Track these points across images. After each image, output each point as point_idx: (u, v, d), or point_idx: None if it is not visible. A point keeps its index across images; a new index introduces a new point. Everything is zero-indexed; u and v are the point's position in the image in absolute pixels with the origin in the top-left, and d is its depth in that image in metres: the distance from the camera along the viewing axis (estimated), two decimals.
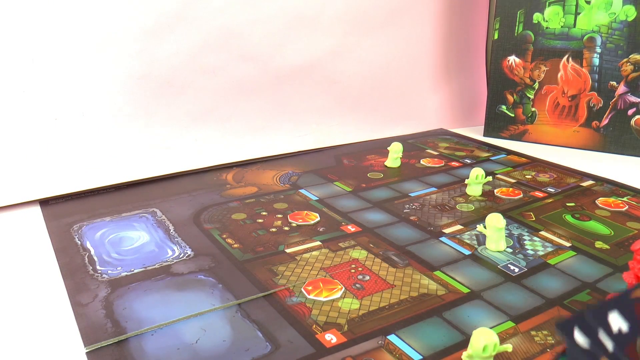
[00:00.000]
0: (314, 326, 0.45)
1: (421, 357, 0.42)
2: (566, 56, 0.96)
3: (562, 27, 0.95)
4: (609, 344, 0.26)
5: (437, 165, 0.86)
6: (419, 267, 0.55)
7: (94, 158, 0.77)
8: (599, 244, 0.60)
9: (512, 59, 0.99)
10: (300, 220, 0.65)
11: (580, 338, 0.27)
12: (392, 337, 0.44)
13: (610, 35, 0.92)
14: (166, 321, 0.45)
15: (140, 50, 0.81)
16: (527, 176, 0.81)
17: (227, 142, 0.89)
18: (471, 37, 1.14)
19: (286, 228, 0.63)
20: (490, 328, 0.42)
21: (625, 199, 0.73)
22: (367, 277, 0.53)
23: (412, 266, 0.55)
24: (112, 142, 0.80)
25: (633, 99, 0.92)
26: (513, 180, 0.79)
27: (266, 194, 0.73)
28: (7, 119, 0.72)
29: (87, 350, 0.42)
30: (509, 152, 0.93)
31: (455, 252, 0.58)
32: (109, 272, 0.53)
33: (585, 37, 0.94)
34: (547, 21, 0.96)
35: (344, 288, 0.51)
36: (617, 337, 0.27)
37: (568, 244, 0.60)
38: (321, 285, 0.51)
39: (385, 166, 0.85)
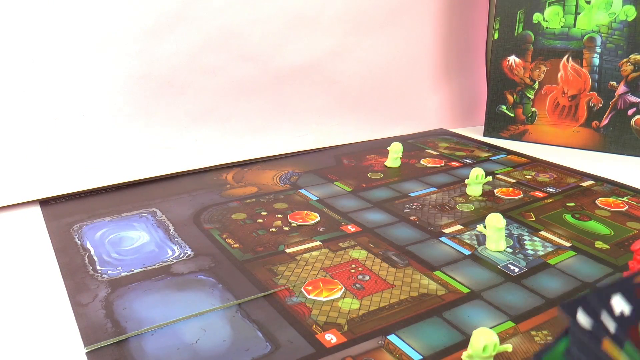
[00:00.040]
0: (314, 326, 0.45)
1: (421, 357, 0.42)
2: (566, 56, 0.96)
3: (562, 27, 0.95)
4: (611, 326, 0.27)
5: (437, 165, 0.86)
6: (419, 267, 0.55)
7: (94, 158, 0.77)
8: (599, 244, 0.60)
9: (512, 59, 0.99)
10: (300, 220, 0.65)
11: (583, 319, 0.27)
12: (392, 337, 0.44)
13: (610, 35, 0.92)
14: (166, 321, 0.45)
15: (140, 50, 0.81)
16: (527, 176, 0.81)
17: (227, 142, 0.89)
18: (471, 37, 1.14)
19: (286, 228, 0.63)
20: (490, 328, 0.42)
21: (625, 199, 0.73)
22: (367, 277, 0.53)
23: (412, 266, 0.55)
24: (112, 142, 0.80)
25: (633, 99, 0.92)
26: (513, 180, 0.79)
27: (266, 194, 0.73)
28: (7, 119, 0.72)
29: (87, 350, 0.42)
30: (509, 152, 0.93)
31: (455, 252, 0.58)
32: (109, 272, 0.53)
33: (585, 37, 0.94)
34: (547, 21, 0.96)
35: (344, 288, 0.51)
36: (619, 319, 0.27)
37: (568, 244, 0.60)
38: (321, 285, 0.51)
39: (385, 166, 0.85)
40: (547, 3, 0.96)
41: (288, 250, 0.58)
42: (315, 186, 0.76)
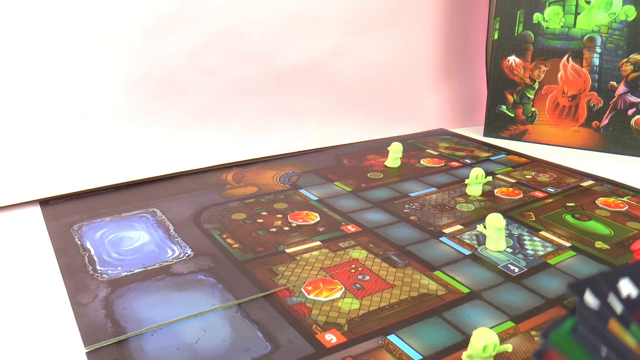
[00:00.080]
0: (314, 326, 0.45)
1: (421, 357, 0.42)
2: (566, 56, 0.96)
3: (562, 27, 0.95)
4: (618, 307, 0.27)
5: (437, 165, 0.86)
6: (419, 267, 0.55)
7: (94, 158, 0.77)
8: (599, 244, 0.60)
9: (512, 59, 0.99)
10: (300, 220, 0.65)
11: (590, 300, 0.28)
12: (392, 337, 0.44)
13: (610, 35, 0.92)
14: (166, 321, 0.45)
15: (140, 50, 0.81)
16: (527, 176, 0.81)
17: (227, 142, 0.89)
18: (471, 37, 1.14)
19: (286, 228, 0.63)
20: (490, 328, 0.42)
21: (625, 199, 0.73)
22: (367, 277, 0.53)
23: (412, 266, 0.55)
24: (112, 142, 0.80)
25: (633, 99, 0.92)
26: (513, 180, 0.79)
27: (266, 194, 0.73)
28: (7, 119, 0.72)
29: (87, 350, 0.42)
30: (509, 152, 0.93)
31: (455, 252, 0.58)
32: (109, 272, 0.53)
33: (585, 37, 0.94)
34: (547, 21, 0.96)
35: (344, 288, 0.51)
36: (626, 302, 0.28)
37: (568, 244, 0.60)
38: (321, 285, 0.51)
39: (385, 166, 0.85)
40: (547, 3, 0.96)
41: (288, 250, 0.58)
42: (315, 186, 0.76)
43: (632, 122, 0.93)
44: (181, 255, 0.57)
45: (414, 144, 0.97)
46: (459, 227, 0.64)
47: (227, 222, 0.65)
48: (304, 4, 0.93)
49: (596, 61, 0.94)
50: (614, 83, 0.93)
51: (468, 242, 0.60)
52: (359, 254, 0.57)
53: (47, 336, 0.44)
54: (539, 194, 0.74)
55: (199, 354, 0.42)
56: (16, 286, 0.52)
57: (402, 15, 1.03)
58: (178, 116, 0.86)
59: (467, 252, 0.58)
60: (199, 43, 0.85)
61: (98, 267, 0.54)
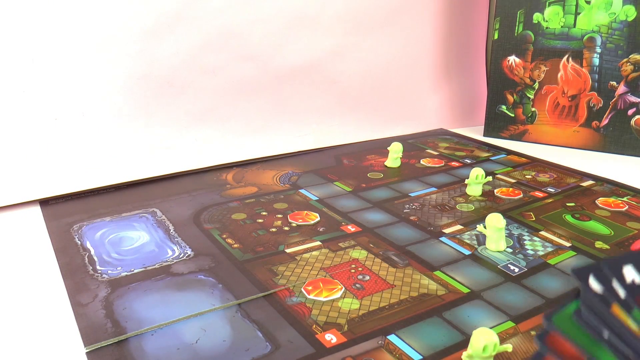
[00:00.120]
0: (314, 326, 0.45)
1: (421, 357, 0.42)
2: (566, 56, 0.96)
3: (562, 27, 0.95)
4: (621, 292, 0.28)
5: (437, 165, 0.86)
6: (419, 267, 0.55)
7: (94, 158, 0.77)
8: (599, 244, 0.60)
9: (512, 59, 0.99)
10: (300, 220, 0.65)
11: (594, 284, 0.28)
12: (392, 337, 0.44)
13: (610, 35, 0.92)
14: (166, 321, 0.45)
15: (140, 50, 0.81)
16: (527, 176, 0.81)
17: (227, 142, 0.89)
18: (471, 37, 1.14)
19: (286, 228, 0.63)
20: (490, 328, 0.42)
21: (625, 199, 0.73)
22: (367, 277, 0.53)
23: (412, 266, 0.55)
24: (112, 142, 0.80)
25: (633, 99, 0.92)
26: (513, 180, 0.79)
27: (266, 194, 0.73)
28: (7, 119, 0.72)
29: (87, 350, 0.42)
30: (509, 152, 0.93)
31: (455, 252, 0.58)
32: (109, 272, 0.53)
33: (585, 37, 0.94)
34: (547, 21, 0.96)
35: (344, 288, 0.51)
36: (629, 287, 0.28)
37: (568, 244, 0.60)
38: (321, 285, 0.51)
39: (385, 166, 0.85)
40: (547, 3, 0.96)
41: (288, 250, 0.58)
42: (315, 186, 0.76)
43: (632, 122, 0.93)
44: (181, 255, 0.57)
45: (414, 144, 0.97)
46: (459, 227, 0.64)
47: (227, 222, 0.65)
48: (304, 4, 0.93)
49: (596, 61, 0.94)
50: (614, 83, 0.93)
51: (468, 242, 0.60)
52: (359, 254, 0.57)
53: (47, 336, 0.44)
54: (539, 194, 0.74)
55: (199, 354, 0.42)
56: (16, 286, 0.52)
57: (402, 15, 1.03)
58: (178, 116, 0.86)
59: (467, 252, 0.58)
60: (199, 43, 0.85)
61: (98, 267, 0.54)
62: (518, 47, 0.99)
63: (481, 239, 0.60)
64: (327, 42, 0.97)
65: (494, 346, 0.39)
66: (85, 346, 0.42)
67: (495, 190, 0.75)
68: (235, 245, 0.59)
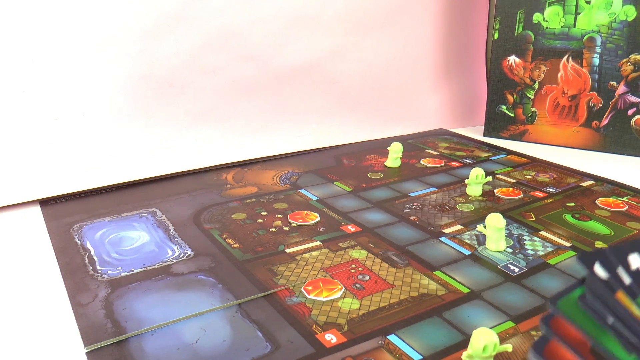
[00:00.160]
0: (314, 326, 0.45)
1: (421, 357, 0.42)
2: (566, 56, 0.96)
3: (562, 27, 0.95)
4: (626, 279, 0.28)
5: (437, 165, 0.86)
6: (419, 267, 0.55)
7: (94, 158, 0.77)
8: (599, 244, 0.60)
9: (512, 59, 0.99)
10: (300, 220, 0.65)
11: (599, 270, 0.29)
12: (392, 337, 0.44)
13: (610, 35, 0.92)
14: (166, 321, 0.45)
15: (140, 50, 0.81)
16: (527, 176, 0.81)
17: (227, 142, 0.89)
18: (471, 37, 1.14)
19: (286, 228, 0.63)
20: (490, 328, 0.42)
21: (625, 199, 0.73)
22: (367, 277, 0.53)
23: (412, 266, 0.55)
24: (112, 142, 0.80)
25: (633, 99, 0.92)
26: (513, 180, 0.79)
27: (266, 194, 0.73)
28: (7, 119, 0.72)
29: (87, 350, 0.42)
30: (509, 152, 0.93)
31: (455, 252, 0.58)
32: (109, 272, 0.53)
33: (585, 37, 0.94)
34: (547, 21, 0.96)
35: (344, 288, 0.51)
36: (634, 274, 0.29)
37: (568, 244, 0.60)
38: (321, 285, 0.51)
39: (385, 166, 0.85)
40: (547, 3, 0.96)
41: (288, 250, 0.58)
42: (315, 186, 0.76)
43: (632, 122, 0.93)
44: (181, 255, 0.57)
45: (414, 144, 0.97)
46: (459, 227, 0.64)
47: (227, 222, 0.65)
48: (304, 4, 0.93)
49: (596, 61, 0.94)
50: (614, 83, 0.93)
51: (468, 242, 0.60)
52: (359, 254, 0.57)
53: (47, 336, 0.44)
54: (539, 194, 0.74)
55: (199, 354, 0.42)
56: (16, 286, 0.52)
57: (402, 15, 1.03)
58: (178, 116, 0.86)
59: (467, 252, 0.58)
60: (199, 43, 0.85)
61: (98, 267, 0.54)
62: (518, 47, 0.99)
63: (481, 239, 0.60)
64: (327, 42, 0.97)
65: (494, 346, 0.39)
66: (85, 346, 0.42)
67: (495, 190, 0.75)
68: (235, 245, 0.59)
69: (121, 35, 0.79)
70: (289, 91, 0.95)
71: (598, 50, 0.93)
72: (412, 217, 0.66)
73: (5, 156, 0.72)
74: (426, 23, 1.07)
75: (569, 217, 0.67)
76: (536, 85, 0.99)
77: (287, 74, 0.94)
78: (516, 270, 0.54)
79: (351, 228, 0.63)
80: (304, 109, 0.97)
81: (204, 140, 0.87)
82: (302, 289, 0.50)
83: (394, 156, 0.85)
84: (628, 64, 0.92)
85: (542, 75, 0.98)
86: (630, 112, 0.93)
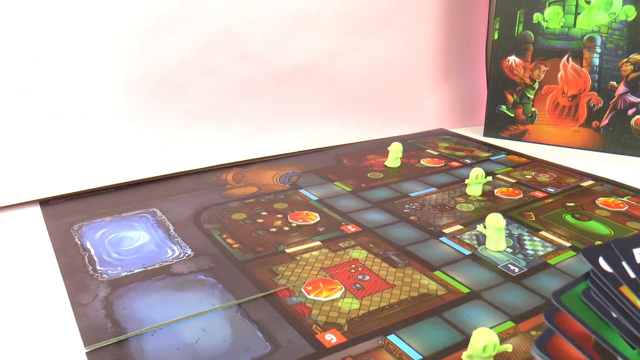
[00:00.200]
0: (314, 326, 0.45)
1: (421, 357, 0.42)
2: (566, 56, 0.96)
3: (562, 27, 0.95)
4: (630, 273, 0.28)
5: (437, 165, 0.86)
6: (419, 267, 0.55)
7: (94, 158, 0.77)
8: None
9: (512, 59, 0.99)
10: (300, 220, 0.65)
11: (604, 264, 0.29)
12: (392, 337, 0.44)
13: (610, 35, 0.92)
14: (166, 321, 0.45)
15: (140, 50, 0.81)
16: (527, 176, 0.81)
17: (227, 142, 0.89)
18: (471, 37, 1.14)
19: (286, 228, 0.63)
20: (490, 328, 0.42)
21: (625, 199, 0.73)
22: (367, 277, 0.53)
23: (412, 266, 0.55)
24: (112, 142, 0.80)
25: (633, 99, 0.92)
26: (513, 180, 0.79)
27: (266, 194, 0.73)
28: (7, 119, 0.72)
29: (87, 350, 0.42)
30: (509, 152, 0.93)
31: (455, 252, 0.58)
32: (109, 272, 0.53)
33: (585, 37, 0.94)
34: (547, 21, 0.96)
35: (344, 288, 0.51)
36: (639, 268, 0.28)
37: (568, 244, 0.60)
38: (321, 285, 0.51)
39: (385, 166, 0.85)
40: (547, 3, 0.96)
41: (288, 250, 0.58)
42: (315, 186, 0.76)
43: (632, 122, 0.93)
44: (181, 255, 0.57)
45: (414, 144, 0.97)
46: (459, 227, 0.64)
47: (227, 222, 0.65)
48: (304, 4, 0.93)
49: (596, 61, 0.94)
50: (614, 83, 0.93)
51: (468, 242, 0.60)
52: (359, 254, 0.57)
53: (47, 336, 0.44)
54: (539, 194, 0.74)
55: (199, 354, 0.42)
56: (16, 286, 0.52)
57: (402, 15, 1.03)
58: (178, 116, 0.86)
59: (467, 252, 0.58)
60: (199, 43, 0.85)
61: (98, 267, 0.54)
62: (518, 47, 0.99)
63: (481, 239, 0.60)
64: (327, 42, 0.97)
65: (494, 346, 0.39)
66: (85, 346, 0.42)
67: (495, 190, 0.75)
68: (235, 245, 0.59)
69: (121, 35, 0.79)
70: (289, 91, 0.95)
71: (598, 50, 0.93)
72: (412, 217, 0.66)
73: (5, 156, 0.72)
74: (426, 23, 1.07)
75: (569, 217, 0.67)
76: (536, 85, 0.99)
77: (287, 74, 0.94)
78: (516, 270, 0.54)
79: (351, 228, 0.63)
80: (304, 109, 0.97)
81: (204, 140, 0.87)
82: (302, 289, 0.50)
83: (394, 156, 0.85)
84: (628, 64, 0.92)
85: (542, 75, 0.98)
86: (630, 112, 0.93)
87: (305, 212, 0.67)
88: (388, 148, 0.85)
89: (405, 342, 0.43)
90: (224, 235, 0.61)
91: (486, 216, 0.59)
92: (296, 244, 0.59)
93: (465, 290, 0.51)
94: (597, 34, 0.93)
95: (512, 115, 1.01)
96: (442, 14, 1.08)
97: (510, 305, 0.48)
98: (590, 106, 0.96)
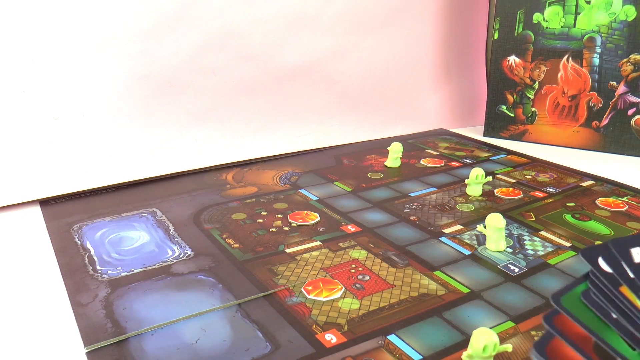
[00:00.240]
0: (314, 326, 0.45)
1: (421, 357, 0.42)
2: (566, 56, 0.96)
3: (562, 27, 0.95)
4: (630, 273, 0.28)
5: (437, 165, 0.86)
6: (419, 267, 0.55)
7: (94, 158, 0.77)
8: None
9: (512, 59, 0.99)
10: (300, 220, 0.65)
11: (604, 265, 0.29)
12: (392, 337, 0.44)
13: (610, 35, 0.92)
14: (166, 321, 0.45)
15: (140, 50, 0.81)
16: (527, 176, 0.81)
17: (227, 142, 0.89)
18: (471, 37, 1.14)
19: (286, 228, 0.63)
20: (490, 328, 0.42)
21: (625, 199, 0.73)
22: (367, 277, 0.53)
23: (412, 266, 0.55)
24: (112, 142, 0.80)
25: (633, 99, 0.92)
26: (513, 180, 0.79)
27: (266, 194, 0.73)
28: (7, 119, 0.72)
29: (87, 350, 0.42)
30: (509, 152, 0.93)
31: (455, 252, 0.58)
32: (109, 272, 0.53)
33: (585, 37, 0.94)
34: (547, 21, 0.96)
35: (344, 288, 0.51)
36: (636, 268, 0.28)
37: (568, 244, 0.60)
38: (321, 285, 0.51)
39: (385, 166, 0.85)
40: (547, 3, 0.96)
41: (288, 250, 0.58)
42: (315, 186, 0.76)
43: (632, 122, 0.93)
44: (181, 255, 0.57)
45: (414, 144, 0.97)
46: (459, 227, 0.64)
47: (227, 222, 0.65)
48: (304, 4, 0.93)
49: (596, 61, 0.94)
50: (614, 83, 0.93)
51: (468, 242, 0.60)
52: (359, 254, 0.57)
53: (47, 336, 0.44)
54: (539, 194, 0.74)
55: (199, 354, 0.42)
56: (16, 286, 0.52)
57: (402, 15, 1.03)
58: (178, 116, 0.86)
59: (467, 252, 0.58)
60: (199, 43, 0.85)
61: (98, 267, 0.54)
62: (518, 47, 0.99)
63: (481, 239, 0.60)
64: (327, 42, 0.97)
65: (494, 346, 0.39)
66: (85, 346, 0.42)
67: (495, 190, 0.75)
68: (235, 245, 0.59)
69: (121, 35, 0.79)
70: (289, 91, 0.95)
71: (598, 50, 0.93)
72: (412, 217, 0.66)
73: (5, 156, 0.72)
74: (426, 23, 1.07)
75: (569, 217, 0.67)
76: (536, 85, 0.99)
77: (287, 74, 0.94)
78: (516, 270, 0.54)
79: (351, 228, 0.63)
80: (304, 109, 0.97)
81: (204, 140, 0.87)
82: (302, 289, 0.50)
83: (394, 156, 0.85)
84: (628, 64, 0.92)
85: (542, 75, 0.98)
86: (630, 112, 0.93)
87: (305, 212, 0.67)
88: (388, 148, 0.85)
89: (405, 342, 0.43)
90: (224, 235, 0.61)
91: (486, 216, 0.59)
92: (296, 244, 0.59)
93: (465, 290, 0.51)
94: (597, 34, 0.93)
95: (512, 115, 1.01)
96: (442, 14, 1.08)
97: (510, 305, 0.48)
98: (590, 106, 0.96)
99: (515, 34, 0.98)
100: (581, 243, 0.60)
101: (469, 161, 0.88)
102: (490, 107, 1.03)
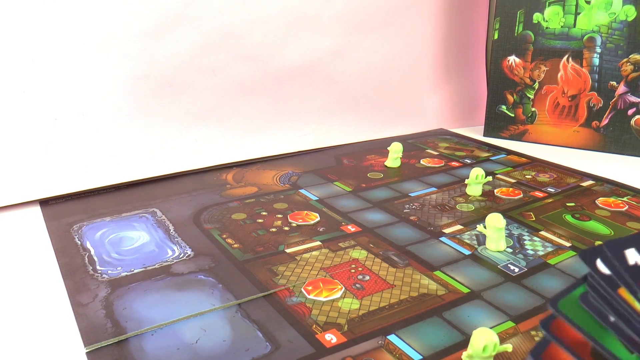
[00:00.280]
0: (314, 326, 0.45)
1: (421, 357, 0.42)
2: (566, 56, 0.96)
3: (562, 27, 0.95)
4: (625, 275, 0.28)
5: (437, 165, 0.86)
6: (419, 267, 0.55)
7: (94, 158, 0.77)
8: (599, 244, 0.60)
9: (512, 59, 0.99)
10: (300, 220, 0.65)
11: (602, 267, 0.29)
12: (392, 337, 0.44)
13: (610, 35, 0.92)
14: (166, 321, 0.45)
15: (140, 50, 0.81)
16: (527, 176, 0.81)
17: (227, 142, 0.89)
18: (471, 37, 1.14)
19: (286, 228, 0.63)
20: (490, 328, 0.42)
21: (625, 199, 0.73)
22: (367, 277, 0.53)
23: (412, 266, 0.55)
24: (112, 142, 0.80)
25: (633, 99, 0.92)
26: (513, 180, 0.79)
27: (266, 194, 0.73)
28: (7, 119, 0.72)
29: (87, 350, 0.42)
30: (509, 152, 0.93)
31: (455, 252, 0.58)
32: (109, 272, 0.53)
33: (585, 37, 0.94)
34: (547, 21, 0.96)
35: (344, 288, 0.51)
36: (631, 270, 0.28)
37: (568, 244, 0.60)
38: (321, 285, 0.51)
39: (385, 166, 0.85)
40: (547, 3, 0.96)
41: (288, 250, 0.58)
42: (315, 186, 0.76)
43: (632, 122, 0.93)
44: (181, 255, 0.57)
45: (414, 144, 0.97)
46: (459, 227, 0.64)
47: (227, 222, 0.65)
48: (304, 4, 0.93)
49: (596, 61, 0.94)
50: (614, 83, 0.93)
51: (468, 242, 0.60)
52: (359, 254, 0.57)
53: (47, 336, 0.44)
54: (539, 194, 0.74)
55: (199, 354, 0.42)
56: (16, 286, 0.52)
57: (402, 15, 1.03)
58: (178, 116, 0.86)
59: (467, 252, 0.58)
60: (199, 43, 0.85)
61: (98, 267, 0.54)
62: (518, 47, 0.99)
63: (481, 239, 0.60)
64: (327, 42, 0.97)
65: (494, 346, 0.39)
66: (85, 346, 0.42)
67: (495, 190, 0.75)
68: (235, 245, 0.59)
69: (121, 35, 0.79)
70: (289, 91, 0.95)
71: (598, 50, 0.93)
72: (412, 217, 0.66)
73: (5, 156, 0.72)
74: (426, 23, 1.07)
75: (569, 217, 0.67)
76: (536, 85, 0.99)
77: (287, 74, 0.94)
78: (516, 270, 0.54)
79: (351, 228, 0.63)
80: (304, 109, 0.97)
81: (204, 140, 0.87)
82: (302, 289, 0.50)
83: (394, 156, 0.85)
84: (628, 64, 0.92)
85: (542, 75, 0.98)
86: (630, 112, 0.93)
87: (305, 212, 0.67)
88: (388, 148, 0.85)
89: (405, 342, 0.43)
90: (224, 235, 0.61)
91: (486, 216, 0.59)
92: (296, 244, 0.59)
93: (465, 290, 0.51)
94: (597, 34, 0.93)
95: (512, 115, 1.01)
96: (442, 14, 1.08)
97: (510, 305, 0.48)
98: (590, 106, 0.96)
99: (515, 34, 0.98)
100: (581, 243, 0.60)
101: (469, 161, 0.88)
102: (490, 107, 1.03)
